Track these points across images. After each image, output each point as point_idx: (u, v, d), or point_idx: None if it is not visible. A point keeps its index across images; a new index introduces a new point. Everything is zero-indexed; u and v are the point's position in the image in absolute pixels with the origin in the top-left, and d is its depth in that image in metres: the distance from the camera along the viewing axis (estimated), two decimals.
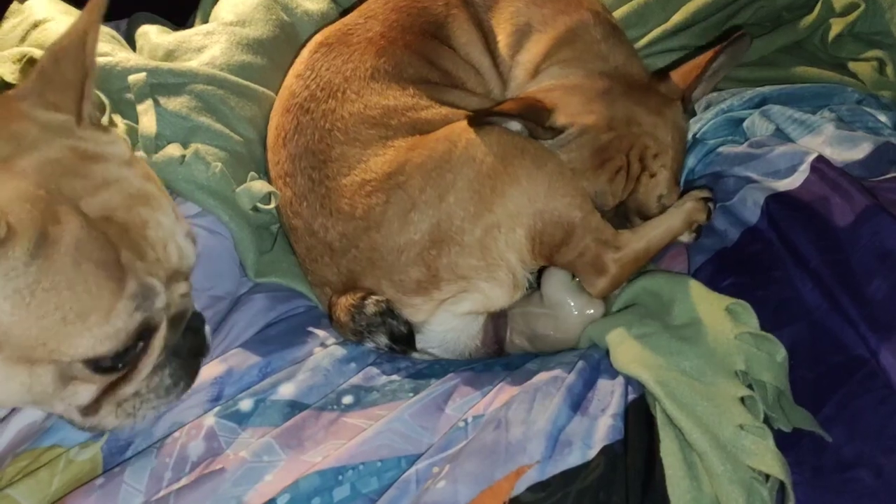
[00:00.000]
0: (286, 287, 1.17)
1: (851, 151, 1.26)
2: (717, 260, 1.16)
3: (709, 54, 1.15)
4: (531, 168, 1.02)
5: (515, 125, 1.07)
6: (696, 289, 1.02)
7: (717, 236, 1.21)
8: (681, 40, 1.55)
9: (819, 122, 1.31)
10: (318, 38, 1.25)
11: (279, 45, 1.43)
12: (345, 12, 1.44)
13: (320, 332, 1.10)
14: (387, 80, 1.14)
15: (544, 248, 1.03)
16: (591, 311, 1.03)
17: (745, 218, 1.20)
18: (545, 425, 0.87)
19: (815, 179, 1.20)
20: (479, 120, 1.06)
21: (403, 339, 1.04)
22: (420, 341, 1.06)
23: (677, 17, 1.55)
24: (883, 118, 1.34)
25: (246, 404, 0.94)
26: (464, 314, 1.05)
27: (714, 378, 0.89)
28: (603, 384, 0.95)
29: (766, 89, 1.40)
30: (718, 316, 0.96)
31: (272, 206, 1.16)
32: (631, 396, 0.92)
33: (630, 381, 0.94)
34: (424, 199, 1.02)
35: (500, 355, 1.08)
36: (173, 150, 1.13)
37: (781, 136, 1.33)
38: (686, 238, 1.15)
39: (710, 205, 1.14)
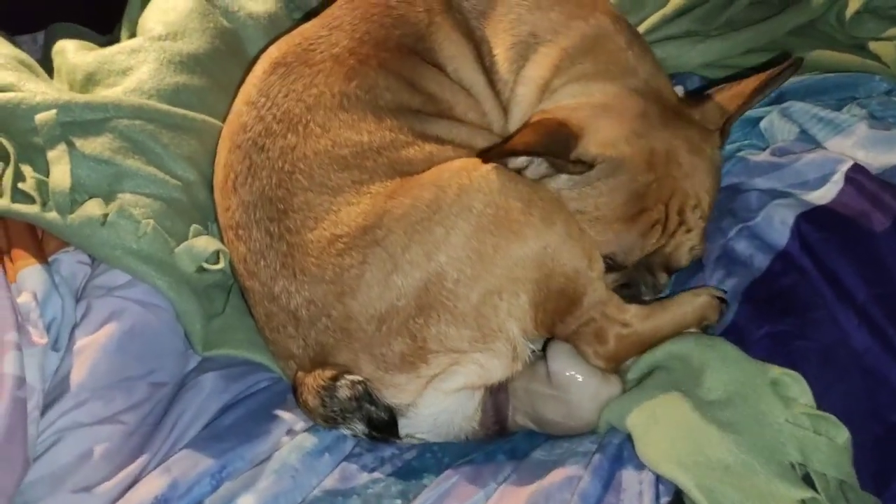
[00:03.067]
0: (242, 359, 0.99)
1: (888, 154, 1.12)
2: (747, 301, 0.99)
3: (753, 82, 1.00)
4: (540, 226, 0.85)
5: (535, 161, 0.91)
6: (732, 354, 0.86)
7: (742, 266, 1.04)
8: (681, 25, 1.39)
9: (849, 120, 1.16)
10: (272, 53, 1.03)
11: (220, 59, 1.22)
12: (304, 18, 1.22)
13: (286, 415, 0.94)
14: (359, 110, 0.95)
15: (547, 318, 0.87)
16: (608, 393, 0.86)
17: (772, 241, 1.05)
18: None
19: (851, 192, 1.07)
20: (492, 160, 0.88)
21: (384, 427, 0.87)
22: (407, 426, 0.89)
23: (676, 0, 1.37)
24: None
25: None
26: (456, 391, 0.88)
27: (766, 475, 0.73)
28: (628, 481, 0.79)
29: None
30: (763, 391, 0.80)
31: (221, 265, 0.97)
32: (664, 500, 0.76)
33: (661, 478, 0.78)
34: (409, 259, 0.85)
35: (501, 436, 0.92)
36: (93, 208, 0.94)
37: (806, 138, 1.18)
38: (693, 331, 0.98)
39: (723, 306, 0.98)
